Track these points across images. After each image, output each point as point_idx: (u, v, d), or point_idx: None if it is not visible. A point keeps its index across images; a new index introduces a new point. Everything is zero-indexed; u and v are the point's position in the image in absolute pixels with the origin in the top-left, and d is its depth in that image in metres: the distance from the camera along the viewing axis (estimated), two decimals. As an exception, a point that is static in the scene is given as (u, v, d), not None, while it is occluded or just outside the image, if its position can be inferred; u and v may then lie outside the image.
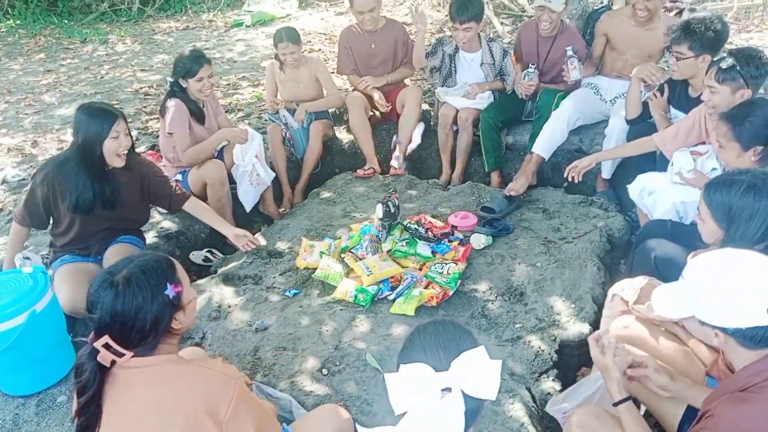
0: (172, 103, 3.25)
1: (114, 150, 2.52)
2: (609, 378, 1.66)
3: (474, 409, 1.13)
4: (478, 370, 1.12)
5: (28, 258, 2.67)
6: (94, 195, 2.56)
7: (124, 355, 1.40)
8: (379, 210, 2.76)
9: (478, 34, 3.81)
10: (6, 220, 3.40)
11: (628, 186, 2.90)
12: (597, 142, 3.68)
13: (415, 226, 2.81)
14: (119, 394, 1.43)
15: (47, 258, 2.82)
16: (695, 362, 1.87)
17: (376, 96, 3.95)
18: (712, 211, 1.82)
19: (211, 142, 3.37)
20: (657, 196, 2.69)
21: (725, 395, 1.38)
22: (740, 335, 1.35)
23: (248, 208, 3.57)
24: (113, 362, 1.41)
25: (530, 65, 3.63)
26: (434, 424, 1.07)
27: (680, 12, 5.23)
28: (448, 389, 1.10)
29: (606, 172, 3.53)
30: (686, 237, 2.31)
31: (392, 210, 2.80)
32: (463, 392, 1.10)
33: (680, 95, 3.04)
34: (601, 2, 5.27)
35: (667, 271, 2.16)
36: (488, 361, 1.13)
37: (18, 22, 8.28)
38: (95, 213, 2.60)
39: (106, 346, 1.38)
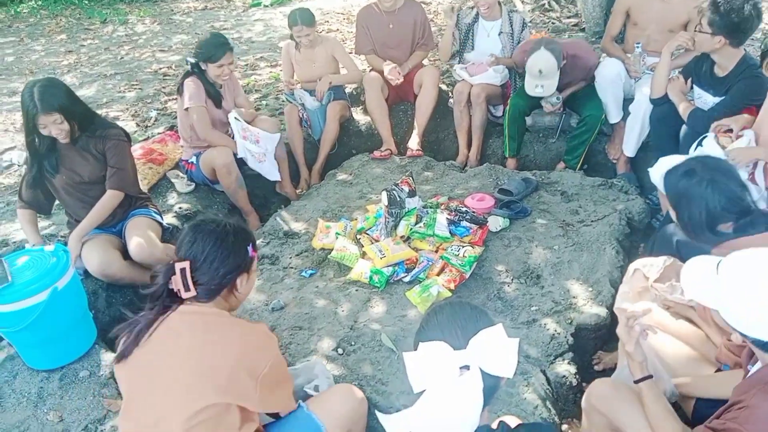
0: (190, 80, 3.26)
1: (48, 133, 2.52)
2: (631, 359, 1.65)
3: (491, 387, 1.13)
4: (496, 348, 1.13)
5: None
6: (38, 165, 2.61)
7: (189, 290, 1.53)
8: (385, 197, 2.75)
9: (499, 2, 3.76)
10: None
11: (649, 169, 2.84)
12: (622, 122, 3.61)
13: (460, 209, 2.82)
14: (169, 338, 1.53)
15: (67, 237, 2.87)
16: (712, 348, 1.85)
17: (387, 69, 3.91)
18: (667, 194, 1.97)
19: (229, 142, 3.37)
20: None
21: (760, 385, 1.35)
22: (760, 346, 1.32)
23: (275, 177, 3.56)
24: (176, 297, 1.55)
25: (556, 97, 3.51)
26: (453, 402, 1.08)
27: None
28: (467, 367, 1.10)
29: (630, 150, 3.45)
30: None
31: (398, 198, 2.78)
32: (481, 370, 1.10)
33: (706, 74, 2.95)
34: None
35: (692, 257, 2.10)
36: (506, 338, 1.14)
37: (39, 2, 8.35)
38: (56, 184, 2.67)
39: (183, 271, 1.53)
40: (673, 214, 1.98)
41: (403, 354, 1.17)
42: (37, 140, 2.55)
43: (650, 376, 1.62)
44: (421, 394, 1.11)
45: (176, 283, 1.54)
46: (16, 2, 8.46)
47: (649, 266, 2.03)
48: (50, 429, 2.12)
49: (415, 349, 1.16)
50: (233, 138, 3.41)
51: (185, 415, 1.46)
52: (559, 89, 3.50)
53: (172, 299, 1.58)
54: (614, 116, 3.56)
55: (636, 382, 1.62)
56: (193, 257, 1.57)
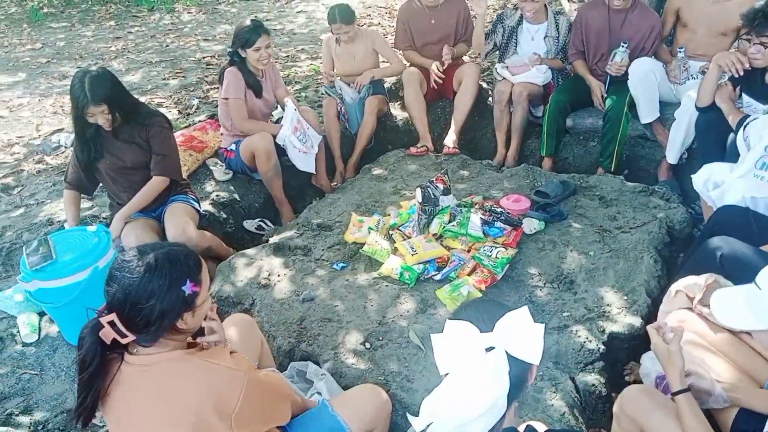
0: (229, 71, 3.32)
1: (95, 122, 2.60)
2: (671, 366, 1.59)
3: (518, 376, 1.13)
4: (522, 330, 1.14)
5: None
6: (84, 150, 2.69)
7: (126, 336, 1.38)
8: (419, 194, 2.74)
9: (545, 5, 3.70)
10: (74, 181, 3.58)
11: (692, 176, 2.75)
12: (665, 126, 3.52)
13: (495, 210, 2.80)
14: (127, 393, 1.43)
15: (109, 219, 2.96)
16: (757, 360, 1.77)
17: (434, 66, 3.89)
18: None
19: (266, 126, 3.43)
20: (725, 188, 2.54)
21: None
22: None
23: (311, 170, 3.61)
24: (116, 346, 1.40)
25: (622, 43, 3.42)
26: (478, 383, 1.08)
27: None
28: (493, 348, 1.10)
29: (672, 157, 3.36)
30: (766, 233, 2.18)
31: (432, 195, 2.77)
32: (507, 353, 1.10)
33: (756, 82, 2.84)
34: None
35: (737, 273, 2.01)
36: (532, 323, 1.14)
37: (91, -11, 8.59)
38: (101, 168, 2.75)
39: (112, 323, 1.37)
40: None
41: (431, 335, 1.18)
42: (83, 126, 2.63)
43: (688, 389, 1.58)
44: (446, 376, 1.12)
45: (108, 335, 1.38)
46: (69, -12, 8.73)
47: (692, 286, 1.96)
48: (85, 403, 2.19)
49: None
50: (278, 124, 3.46)
51: None
52: (623, 42, 3.42)
53: (111, 350, 1.43)
54: (645, 116, 3.47)
55: (674, 395, 1.58)
56: (118, 304, 1.38)
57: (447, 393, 1.10)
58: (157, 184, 2.80)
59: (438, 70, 3.87)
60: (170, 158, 2.84)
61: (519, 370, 1.13)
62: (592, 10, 3.63)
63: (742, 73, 2.78)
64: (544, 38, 3.75)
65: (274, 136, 3.36)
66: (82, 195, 2.95)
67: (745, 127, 2.58)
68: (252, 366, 1.55)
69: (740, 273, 1.95)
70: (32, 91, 5.07)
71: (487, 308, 1.21)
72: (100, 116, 2.57)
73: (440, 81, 3.91)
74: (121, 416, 1.44)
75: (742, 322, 1.40)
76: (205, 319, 1.54)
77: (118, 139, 2.72)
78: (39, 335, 2.49)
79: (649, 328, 1.69)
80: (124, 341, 1.39)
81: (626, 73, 3.45)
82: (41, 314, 2.56)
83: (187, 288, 1.42)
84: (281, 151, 3.42)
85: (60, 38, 6.60)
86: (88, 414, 1.42)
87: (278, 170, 3.42)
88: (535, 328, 1.14)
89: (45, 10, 7.85)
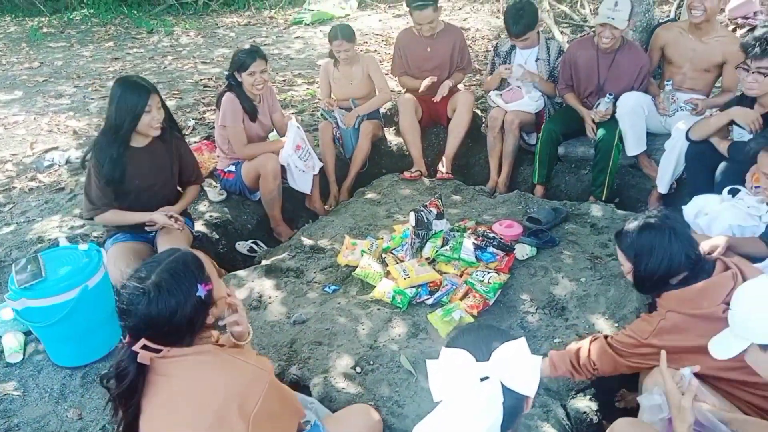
0: (226, 98, 3.35)
1: (148, 123, 2.60)
2: (681, 420, 1.55)
3: (513, 407, 1.12)
4: (519, 363, 1.13)
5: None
6: (121, 167, 2.61)
7: (161, 350, 1.42)
8: (412, 218, 2.75)
9: (538, 31, 3.79)
10: (67, 199, 3.57)
11: (683, 207, 2.79)
12: (655, 158, 3.57)
13: (488, 235, 2.82)
14: (157, 381, 1.45)
15: (101, 238, 2.94)
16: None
17: (427, 79, 3.95)
18: (623, 250, 1.90)
19: (267, 147, 3.46)
20: (712, 217, 2.58)
21: None
22: None
23: (307, 191, 3.65)
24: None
25: (608, 95, 3.51)
26: (471, 412, 1.07)
27: (752, 29, 5.02)
28: (488, 378, 1.09)
29: (662, 187, 3.40)
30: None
31: (426, 220, 2.78)
32: (502, 385, 1.09)
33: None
34: (667, 15, 5.11)
35: None
36: (529, 354, 1.13)
37: (91, 11, 8.69)
38: (126, 186, 2.67)
39: (144, 347, 1.40)
40: (626, 269, 1.92)
41: (426, 361, 1.18)
42: (121, 145, 2.60)
43: None
44: (439, 403, 1.12)
45: (146, 357, 1.41)
46: (69, 9, 8.82)
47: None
48: (69, 426, 2.16)
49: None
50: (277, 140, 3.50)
51: None
52: (609, 93, 3.52)
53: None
54: (632, 148, 3.53)
55: None
56: (143, 331, 1.41)
57: (440, 421, 1.09)
58: (196, 191, 3.05)
59: (427, 85, 3.94)
60: (199, 168, 3.04)
61: (514, 401, 1.12)
62: (581, 49, 3.68)
63: (758, 130, 2.80)
64: (536, 61, 3.82)
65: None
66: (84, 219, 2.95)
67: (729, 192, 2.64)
68: (273, 370, 1.58)
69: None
70: (28, 109, 5.08)
71: (485, 335, 1.20)
72: (156, 111, 2.60)
73: (436, 100, 3.96)
74: (149, 402, 1.45)
75: (731, 350, 1.43)
76: (227, 313, 1.61)
77: (153, 158, 2.72)
78: (24, 355, 2.45)
79: (665, 371, 1.63)
80: (163, 354, 1.42)
81: (615, 106, 3.52)
82: (27, 333, 2.53)
83: (202, 291, 1.45)
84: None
85: (58, 57, 6.65)
86: (135, 427, 1.45)
87: (280, 192, 3.44)
88: (531, 360, 1.13)
89: (44, 30, 7.91)
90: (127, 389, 1.42)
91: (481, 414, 1.07)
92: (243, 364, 1.48)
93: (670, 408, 1.61)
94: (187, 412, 1.42)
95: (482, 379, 1.11)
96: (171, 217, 2.72)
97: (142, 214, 2.71)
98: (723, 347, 1.47)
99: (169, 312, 1.40)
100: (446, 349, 1.16)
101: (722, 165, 2.90)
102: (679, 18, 4.43)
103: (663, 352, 1.66)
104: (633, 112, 3.43)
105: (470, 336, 1.21)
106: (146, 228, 2.77)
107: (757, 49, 2.66)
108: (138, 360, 1.40)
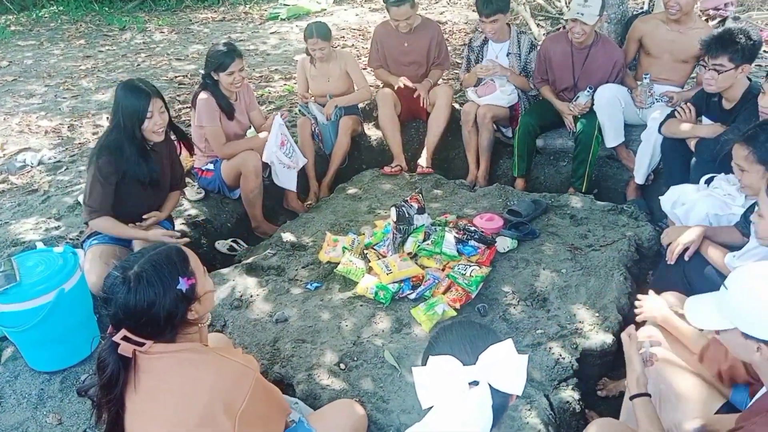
0: (202, 97, 3.30)
1: (150, 127, 2.57)
2: (630, 370, 1.67)
3: (500, 405, 1.13)
4: (506, 364, 1.13)
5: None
6: (147, 169, 2.62)
7: (144, 344, 1.41)
8: (393, 213, 2.75)
9: (508, 24, 3.81)
10: (41, 200, 3.49)
11: (660, 197, 2.83)
12: (632, 148, 3.61)
13: (469, 229, 2.83)
14: (140, 379, 1.43)
15: (77, 240, 2.88)
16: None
17: (402, 80, 3.98)
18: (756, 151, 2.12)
19: (246, 144, 3.44)
20: (689, 207, 2.62)
21: (762, 414, 1.33)
22: None
23: (292, 188, 3.64)
24: (134, 350, 1.42)
25: (588, 88, 3.53)
26: (462, 418, 1.07)
27: (723, 20, 5.11)
28: (476, 382, 1.09)
29: (640, 177, 3.45)
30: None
31: (407, 214, 2.78)
32: (490, 386, 1.09)
33: (713, 105, 2.96)
34: (641, 7, 5.17)
35: (701, 287, 2.10)
36: (516, 355, 1.13)
37: (61, 8, 8.50)
38: (132, 191, 2.64)
39: (125, 338, 1.39)
40: (755, 176, 2.12)
41: (412, 368, 1.17)
42: (127, 147, 2.56)
43: (647, 394, 1.61)
44: (429, 410, 1.11)
45: (127, 350, 1.40)
46: (38, 7, 8.62)
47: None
48: (48, 431, 2.11)
49: (424, 365, 1.15)
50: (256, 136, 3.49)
51: None
52: (589, 86, 3.54)
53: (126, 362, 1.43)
54: (611, 140, 3.57)
55: (631, 398, 1.62)
56: (122, 321, 1.41)
57: (430, 428, 1.09)
58: (178, 196, 3.01)
59: (404, 84, 3.95)
60: (184, 173, 3.03)
61: (500, 400, 1.13)
62: (556, 44, 3.70)
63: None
64: (507, 55, 3.85)
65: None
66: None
67: (707, 182, 2.70)
68: (259, 368, 1.56)
69: (704, 286, 2.04)
70: (-3, 109, 4.95)
71: (469, 334, 1.19)
72: (158, 115, 2.56)
73: (423, 106, 3.98)
74: (133, 402, 1.43)
75: (710, 323, 1.45)
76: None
77: (157, 156, 2.71)
78: None
79: (623, 335, 1.75)
80: (144, 349, 1.41)
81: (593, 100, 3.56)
82: (2, 339, 2.47)
83: (183, 285, 1.44)
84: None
85: (27, 56, 6.49)
86: (120, 425, 1.44)
87: (261, 190, 3.41)
88: (518, 360, 1.13)
89: (12, 28, 7.72)
90: (108, 381, 1.41)
91: (471, 419, 1.07)
92: (229, 361, 1.47)
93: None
94: (172, 410, 1.40)
95: (470, 383, 1.10)
96: (166, 233, 2.66)
97: (135, 232, 2.64)
98: (701, 317, 1.48)
99: (147, 303, 1.39)
100: (432, 357, 1.14)
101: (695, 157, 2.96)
102: (653, 10, 4.48)
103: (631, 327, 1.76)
104: (610, 104, 3.47)
105: (452, 334, 1.20)
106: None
107: (713, 47, 2.73)
108: (119, 351, 1.39)
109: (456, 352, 1.14)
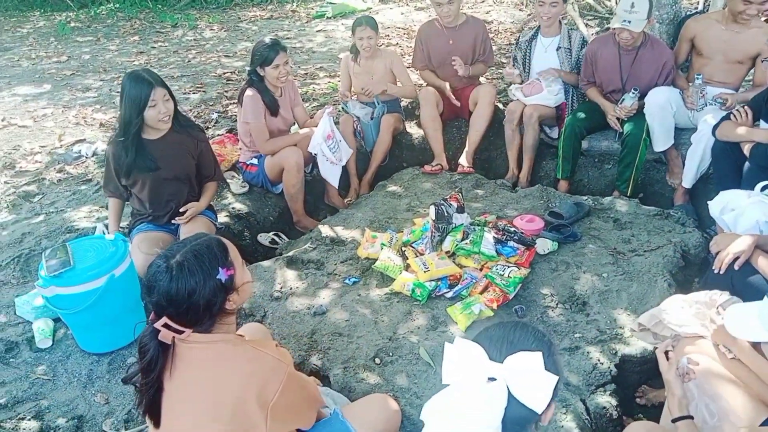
0: (248, 94, 3.37)
1: (154, 116, 2.64)
2: (671, 394, 1.62)
3: (520, 416, 1.10)
4: (531, 375, 1.11)
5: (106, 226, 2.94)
6: (133, 160, 2.69)
7: (183, 332, 1.46)
8: (432, 212, 2.75)
9: (560, 20, 3.74)
10: (94, 190, 3.65)
11: (709, 202, 2.74)
12: (681, 152, 3.51)
13: (508, 229, 2.82)
14: (177, 367, 1.48)
15: (127, 228, 3.00)
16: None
17: (447, 87, 3.97)
18: None
19: (289, 140, 3.50)
20: (738, 213, 2.53)
21: None
22: None
23: (335, 183, 3.69)
24: (174, 338, 1.47)
25: (633, 90, 3.44)
26: (469, 406, 1.08)
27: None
28: (494, 379, 1.09)
29: (688, 181, 3.35)
30: None
31: (446, 213, 2.78)
32: (509, 391, 1.09)
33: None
34: (695, 7, 5.00)
35: (748, 296, 2.03)
36: (543, 371, 1.11)
37: (117, 5, 8.82)
38: (141, 178, 2.75)
39: (166, 325, 1.44)
40: None
41: (445, 343, 1.19)
42: (133, 136, 2.66)
43: (690, 417, 1.56)
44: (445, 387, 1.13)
45: (167, 336, 1.45)
46: (96, 4, 8.97)
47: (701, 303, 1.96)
48: (96, 410, 2.22)
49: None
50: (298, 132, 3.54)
51: None
52: (633, 88, 3.44)
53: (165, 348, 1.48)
54: (660, 144, 3.46)
55: (674, 421, 1.57)
56: (164, 309, 1.46)
57: (442, 403, 1.11)
58: (216, 187, 3.10)
59: (451, 93, 3.94)
60: (218, 165, 3.10)
61: (519, 411, 1.10)
62: (603, 46, 3.60)
63: None
64: (557, 50, 3.78)
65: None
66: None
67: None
68: (292, 362, 1.60)
69: (751, 294, 1.96)
70: (56, 102, 5.19)
71: (512, 338, 1.17)
72: (162, 103, 2.63)
73: (457, 103, 3.95)
74: (169, 388, 1.48)
75: (752, 334, 1.40)
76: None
77: (169, 148, 2.77)
78: (53, 341, 2.52)
79: (658, 352, 1.69)
80: (183, 336, 1.46)
81: (643, 102, 3.46)
82: (56, 320, 2.60)
83: (222, 275, 1.48)
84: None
85: (85, 51, 6.76)
86: (157, 407, 1.48)
87: (303, 185, 3.47)
88: (545, 377, 1.10)
89: (72, 24, 8.06)
90: (147, 365, 1.46)
91: (476, 412, 1.07)
92: (263, 354, 1.51)
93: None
94: (206, 400, 1.45)
95: (489, 379, 1.10)
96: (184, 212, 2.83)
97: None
98: (742, 327, 1.44)
99: (188, 291, 1.44)
100: (460, 339, 1.16)
101: (748, 163, 2.85)
102: (708, 10, 4.33)
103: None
104: (662, 108, 3.37)
105: (499, 331, 1.19)
106: (172, 222, 2.86)
107: None
108: (159, 338, 1.44)
109: (491, 346, 1.14)
